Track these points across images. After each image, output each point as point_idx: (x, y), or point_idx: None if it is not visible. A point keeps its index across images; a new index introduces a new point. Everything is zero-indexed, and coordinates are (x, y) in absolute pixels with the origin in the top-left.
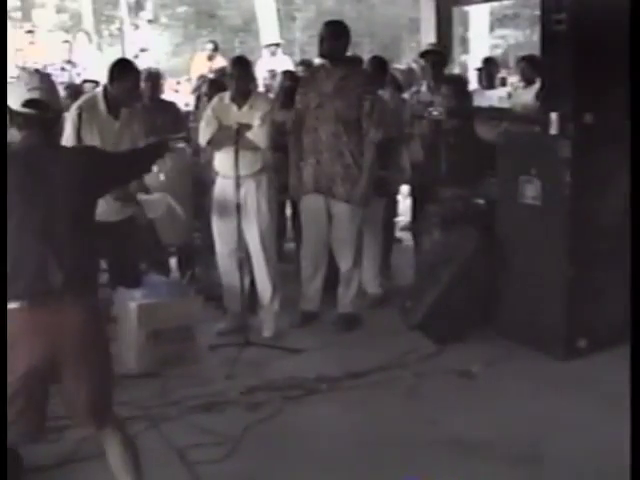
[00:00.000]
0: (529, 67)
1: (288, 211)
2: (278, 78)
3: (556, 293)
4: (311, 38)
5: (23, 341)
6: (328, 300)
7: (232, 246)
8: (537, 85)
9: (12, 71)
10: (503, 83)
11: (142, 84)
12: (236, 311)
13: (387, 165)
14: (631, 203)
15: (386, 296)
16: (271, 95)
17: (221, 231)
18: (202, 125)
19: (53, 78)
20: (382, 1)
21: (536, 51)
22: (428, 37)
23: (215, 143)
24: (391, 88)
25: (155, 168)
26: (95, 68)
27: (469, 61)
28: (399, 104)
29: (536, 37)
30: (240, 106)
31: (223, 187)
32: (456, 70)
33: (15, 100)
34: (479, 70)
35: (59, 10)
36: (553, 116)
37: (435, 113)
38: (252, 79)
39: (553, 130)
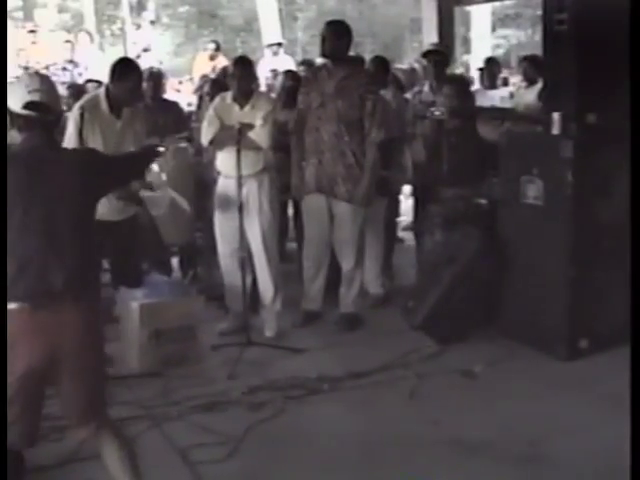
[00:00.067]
0: (531, 67)
1: (290, 211)
2: (280, 78)
3: (558, 293)
4: (313, 38)
5: (23, 342)
6: (330, 300)
7: (234, 246)
8: (539, 85)
9: (15, 71)
10: (505, 83)
11: (144, 84)
12: (238, 311)
13: (389, 165)
14: (631, 203)
15: (388, 296)
16: (273, 95)
17: (223, 231)
18: (204, 125)
19: (55, 78)
20: (384, 1)
21: (538, 51)
22: (430, 37)
23: (217, 143)
24: (393, 88)
25: (157, 168)
26: (97, 68)
27: (471, 61)
28: (401, 104)
29: (538, 37)
30: (242, 106)
31: (225, 187)
32: (458, 70)
33: (16, 102)
34: (481, 70)
35: (61, 10)
36: (555, 116)
37: (437, 113)
38: (254, 79)
39: (555, 130)
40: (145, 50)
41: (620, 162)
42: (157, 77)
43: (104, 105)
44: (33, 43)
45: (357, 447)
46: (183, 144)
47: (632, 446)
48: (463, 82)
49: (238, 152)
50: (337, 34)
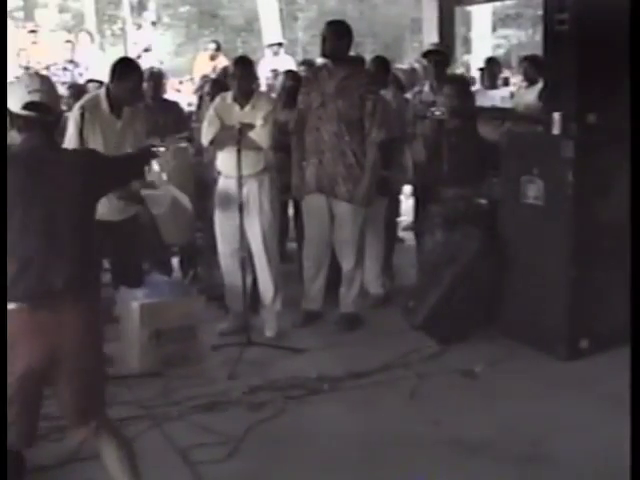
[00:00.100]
0: (532, 67)
1: (290, 211)
2: (280, 78)
3: (559, 293)
4: (313, 38)
5: (22, 342)
6: (330, 300)
7: (234, 246)
8: (540, 85)
9: (15, 71)
10: (506, 83)
11: (145, 84)
12: (238, 311)
13: (389, 165)
14: (631, 203)
15: (388, 296)
16: (273, 95)
17: (223, 231)
18: (204, 125)
19: (55, 78)
20: (384, 1)
21: (539, 51)
22: (430, 37)
23: (217, 143)
24: (393, 88)
25: (157, 167)
26: (97, 68)
27: (471, 61)
28: (401, 104)
29: (539, 37)
30: (242, 106)
31: (226, 187)
32: (459, 70)
33: (15, 102)
34: (481, 70)
35: (62, 10)
36: (556, 116)
37: (437, 113)
38: (254, 79)
39: (556, 130)
40: (146, 50)
41: (620, 162)
42: (157, 77)
43: (104, 105)
44: (34, 43)
45: (357, 447)
46: (183, 144)
47: (632, 446)
48: (463, 82)
49: (238, 152)
50: (338, 34)
